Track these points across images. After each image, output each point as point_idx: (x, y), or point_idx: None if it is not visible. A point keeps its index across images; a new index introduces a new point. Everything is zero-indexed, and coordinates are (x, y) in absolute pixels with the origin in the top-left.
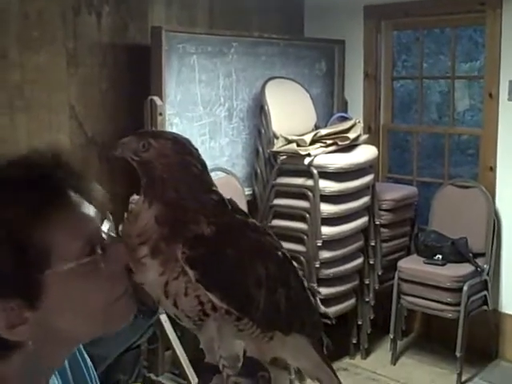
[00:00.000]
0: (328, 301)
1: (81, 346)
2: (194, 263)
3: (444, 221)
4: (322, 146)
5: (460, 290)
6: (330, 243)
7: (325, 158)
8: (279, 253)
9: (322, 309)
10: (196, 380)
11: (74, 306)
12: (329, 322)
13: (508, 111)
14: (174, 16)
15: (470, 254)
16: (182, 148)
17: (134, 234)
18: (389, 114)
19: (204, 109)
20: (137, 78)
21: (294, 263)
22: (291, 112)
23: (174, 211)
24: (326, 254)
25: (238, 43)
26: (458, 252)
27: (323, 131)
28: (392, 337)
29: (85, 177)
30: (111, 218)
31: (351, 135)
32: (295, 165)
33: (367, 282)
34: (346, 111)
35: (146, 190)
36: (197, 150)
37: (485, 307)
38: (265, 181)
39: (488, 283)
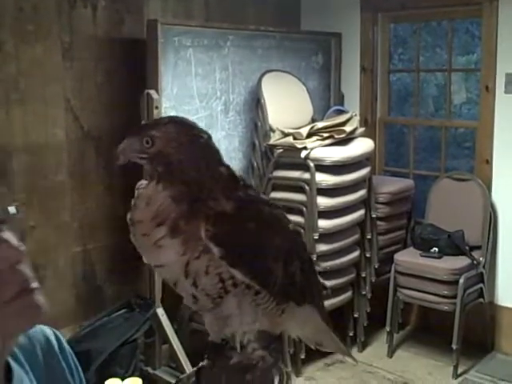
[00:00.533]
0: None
1: (66, 347)
2: (219, 240)
3: (440, 214)
4: (318, 139)
5: (456, 282)
6: (326, 236)
7: (321, 151)
8: (291, 226)
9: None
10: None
11: None
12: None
13: (504, 104)
14: (170, 9)
15: (467, 247)
16: (184, 126)
17: (148, 217)
18: (385, 107)
19: (200, 102)
20: (133, 71)
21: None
22: (288, 105)
23: (191, 189)
24: (322, 247)
25: (234, 36)
26: (454, 245)
27: (320, 124)
28: (388, 329)
29: None
30: (15, 211)
31: (348, 128)
32: (292, 158)
33: (364, 275)
34: (342, 104)
35: (162, 175)
36: (196, 123)
37: (481, 300)
38: (261, 174)
39: (484, 276)
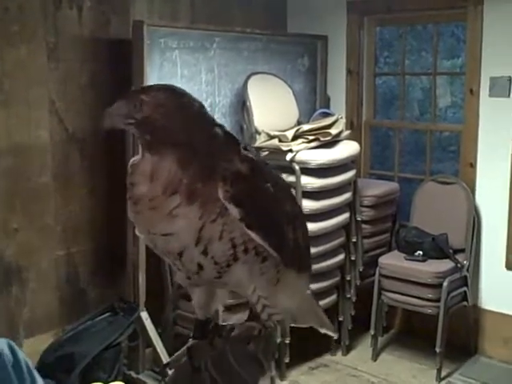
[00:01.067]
0: None
1: (21, 358)
2: (239, 201)
3: (425, 217)
4: (304, 142)
5: (440, 285)
6: (311, 239)
7: (307, 153)
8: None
9: None
10: None
11: None
12: None
13: (489, 107)
14: (156, 10)
15: (451, 250)
16: (175, 93)
17: (158, 191)
18: (371, 111)
19: None
20: (118, 72)
21: None
22: (273, 108)
23: (193, 151)
24: None
25: (220, 38)
26: (438, 248)
27: (305, 127)
28: (373, 333)
29: None
30: None
31: (333, 131)
32: (277, 160)
33: (348, 278)
34: (328, 107)
35: (151, 144)
36: (188, 93)
37: (464, 303)
38: None
39: (468, 279)
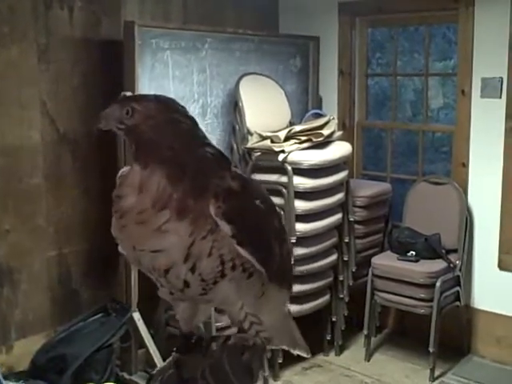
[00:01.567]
0: (302, 297)
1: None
2: (231, 217)
3: (417, 217)
4: (296, 143)
5: (433, 285)
6: (304, 240)
7: (299, 154)
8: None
9: None
10: None
11: None
12: None
13: (480, 108)
14: (148, 11)
15: (443, 251)
16: (167, 106)
17: (147, 203)
18: (363, 112)
19: None
20: (109, 73)
21: None
22: (266, 108)
23: (182, 168)
24: (300, 251)
25: (212, 39)
26: (431, 248)
27: (297, 127)
28: (366, 333)
29: None
30: None
31: (325, 132)
32: (269, 161)
33: (341, 279)
34: (320, 108)
35: (137, 155)
36: (183, 107)
37: (457, 303)
38: None
39: (460, 279)
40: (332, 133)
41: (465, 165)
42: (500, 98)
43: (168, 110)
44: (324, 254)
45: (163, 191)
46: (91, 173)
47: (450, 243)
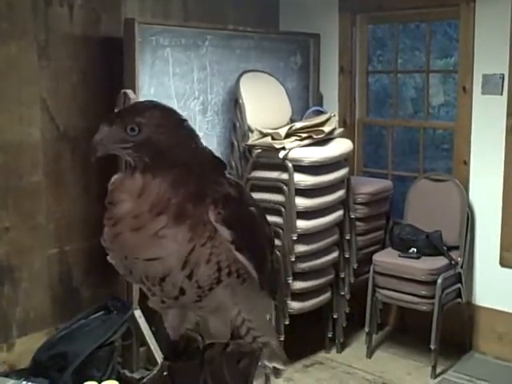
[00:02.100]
0: (304, 295)
1: None
2: (231, 223)
3: (419, 214)
4: (296, 140)
5: (434, 282)
6: (305, 237)
7: (300, 151)
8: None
9: None
10: None
11: None
12: None
13: (481, 105)
14: (148, 8)
15: (445, 247)
16: (168, 110)
17: (144, 209)
18: (364, 109)
19: (178, 102)
20: (110, 71)
21: None
22: (266, 105)
23: (190, 171)
24: (301, 248)
25: (212, 36)
26: (432, 245)
27: (298, 124)
28: (367, 330)
29: None
30: None
31: (326, 129)
32: (270, 158)
33: (342, 276)
34: (321, 105)
35: (151, 165)
36: (172, 107)
37: (459, 300)
38: (240, 175)
39: (462, 276)
40: (333, 130)
41: (466, 162)
42: (501, 94)
43: (170, 112)
44: (325, 251)
45: (163, 195)
46: (91, 170)
47: (451, 240)
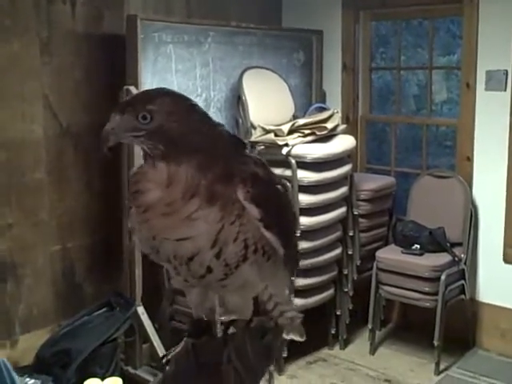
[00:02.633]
0: (307, 291)
1: (15, 377)
2: (260, 201)
3: (422, 211)
4: (299, 136)
5: (438, 279)
6: (308, 233)
7: (303, 147)
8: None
9: None
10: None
11: None
12: None
13: (485, 101)
14: (151, 5)
15: (448, 244)
16: (178, 96)
17: (176, 195)
18: (367, 105)
19: None
20: (112, 67)
21: None
22: (269, 102)
23: (212, 154)
24: (304, 245)
25: (215, 32)
26: (435, 242)
27: (301, 121)
28: (370, 327)
29: None
30: None
31: (329, 125)
32: (273, 155)
33: (346, 273)
34: (324, 102)
35: (167, 153)
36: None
37: (462, 296)
38: None
39: (465, 272)
40: (336, 126)
41: (469, 158)
42: (505, 90)
43: (181, 98)
44: (328, 247)
45: (192, 180)
46: (94, 167)
47: (454, 237)
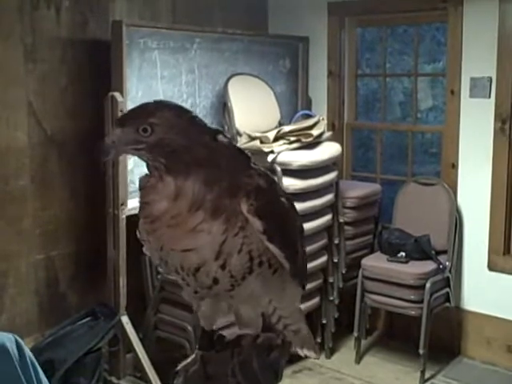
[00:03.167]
0: None
1: (27, 354)
2: (263, 214)
3: (407, 218)
4: (285, 143)
5: (423, 287)
6: None
7: (288, 154)
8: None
9: None
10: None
11: None
12: None
13: (469, 108)
14: (136, 11)
15: (433, 252)
16: (179, 108)
17: (183, 208)
18: (353, 112)
19: None
20: (97, 73)
21: None
22: (255, 109)
23: (217, 167)
24: None
25: (200, 39)
26: (420, 249)
27: (286, 128)
28: (356, 335)
29: None
30: None
31: (315, 132)
32: (259, 162)
33: (331, 281)
34: (310, 109)
35: (170, 166)
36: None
37: (447, 304)
38: None
39: (450, 280)
40: (321, 133)
41: (454, 165)
42: (489, 97)
43: (181, 111)
44: (314, 255)
45: (198, 194)
46: (79, 175)
47: (439, 244)
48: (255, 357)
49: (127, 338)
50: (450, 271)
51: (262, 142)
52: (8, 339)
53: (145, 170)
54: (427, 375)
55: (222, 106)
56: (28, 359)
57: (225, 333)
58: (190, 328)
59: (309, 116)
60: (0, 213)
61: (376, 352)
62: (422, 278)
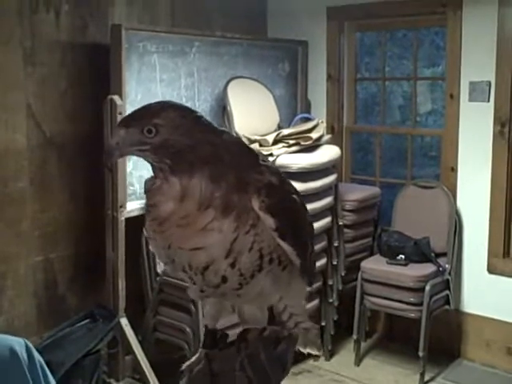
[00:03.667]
0: None
1: (36, 357)
2: (275, 211)
3: (406, 221)
4: (284, 146)
5: (422, 289)
6: None
7: (287, 158)
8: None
9: None
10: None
11: None
12: None
13: (468, 112)
14: (136, 15)
15: (433, 254)
16: (183, 110)
17: (192, 208)
18: (352, 116)
19: None
20: (96, 77)
21: None
22: (254, 112)
23: (222, 165)
24: None
25: (200, 42)
26: (420, 252)
27: (286, 131)
28: (355, 338)
29: None
30: None
31: (314, 135)
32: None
33: (331, 283)
34: (309, 112)
35: (175, 166)
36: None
37: (447, 307)
38: None
39: (450, 283)
40: (320, 136)
41: (453, 169)
42: (488, 101)
43: (186, 111)
44: None
45: (205, 191)
46: (78, 177)
47: (439, 247)
48: (262, 350)
49: (126, 340)
50: (449, 274)
51: (261, 145)
52: (18, 343)
53: (144, 173)
54: (427, 378)
55: (222, 110)
56: (37, 363)
57: (228, 333)
58: (188, 330)
59: (308, 119)
60: None
61: (375, 354)
62: (422, 281)
